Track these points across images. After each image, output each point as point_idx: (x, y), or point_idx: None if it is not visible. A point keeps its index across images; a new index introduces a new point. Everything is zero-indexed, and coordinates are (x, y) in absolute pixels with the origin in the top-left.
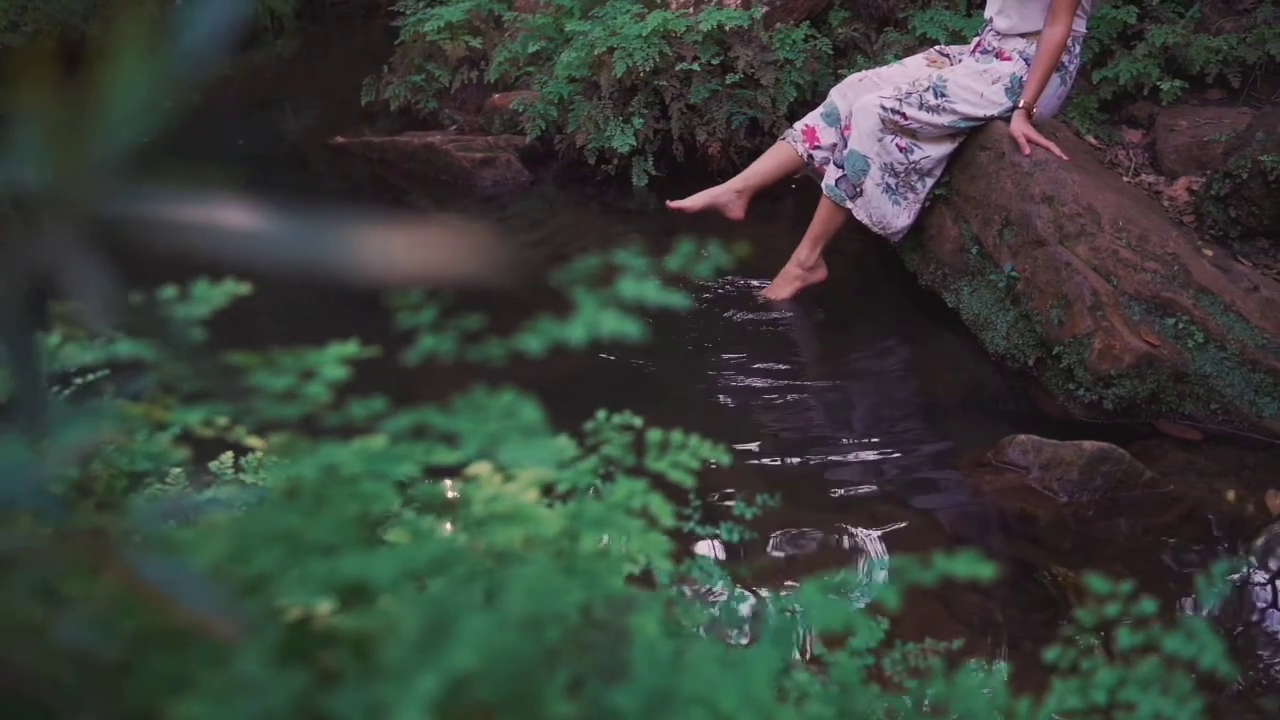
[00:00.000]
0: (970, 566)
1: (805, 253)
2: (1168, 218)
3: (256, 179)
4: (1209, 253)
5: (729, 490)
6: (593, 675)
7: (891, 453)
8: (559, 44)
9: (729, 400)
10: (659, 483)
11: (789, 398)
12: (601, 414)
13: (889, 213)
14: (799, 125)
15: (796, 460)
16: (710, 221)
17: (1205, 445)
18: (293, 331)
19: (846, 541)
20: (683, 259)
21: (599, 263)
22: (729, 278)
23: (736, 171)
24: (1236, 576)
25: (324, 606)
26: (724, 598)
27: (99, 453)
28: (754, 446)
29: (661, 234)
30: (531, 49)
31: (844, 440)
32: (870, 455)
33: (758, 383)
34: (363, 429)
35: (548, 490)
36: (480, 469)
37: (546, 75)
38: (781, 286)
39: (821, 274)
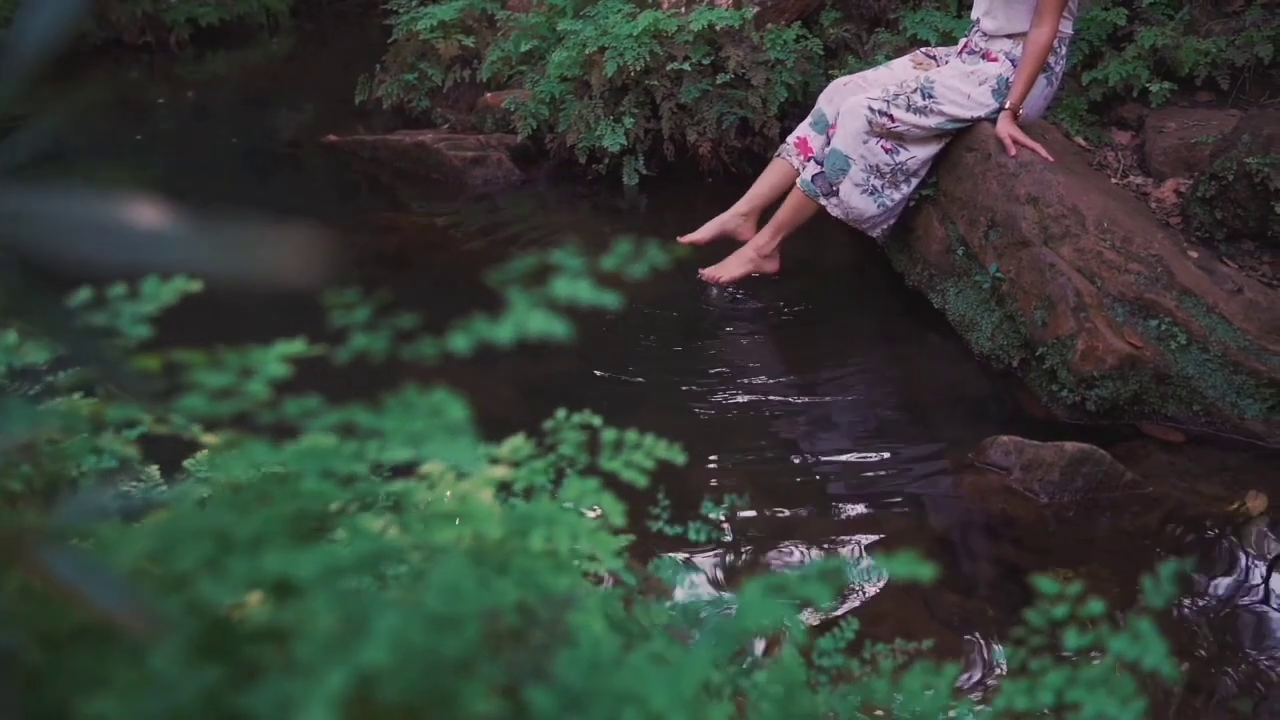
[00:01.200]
0: (909, 567)
1: (765, 239)
2: (1154, 219)
3: (248, 177)
4: (1194, 254)
5: (712, 488)
6: (523, 673)
7: (875, 453)
8: (551, 43)
9: (715, 397)
10: (626, 482)
11: (774, 397)
12: (561, 413)
13: (866, 210)
14: (791, 139)
15: (780, 459)
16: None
17: (1187, 446)
18: (284, 328)
19: (825, 542)
20: (618, 260)
21: (535, 262)
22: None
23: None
24: (1221, 578)
25: (254, 603)
26: (691, 597)
27: (33, 449)
28: (737, 445)
29: (651, 233)
30: (524, 48)
31: (827, 440)
32: (854, 455)
33: (743, 380)
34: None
35: (505, 488)
36: (433, 467)
37: (539, 74)
38: (731, 267)
39: (775, 265)
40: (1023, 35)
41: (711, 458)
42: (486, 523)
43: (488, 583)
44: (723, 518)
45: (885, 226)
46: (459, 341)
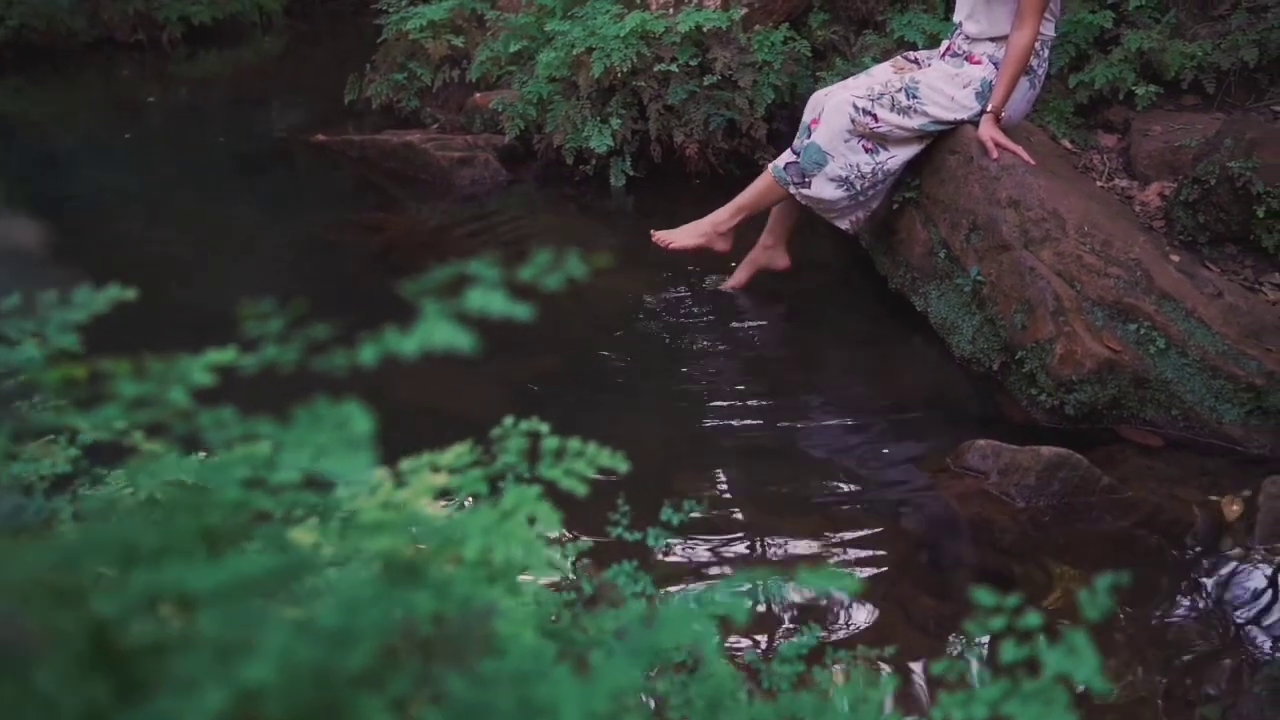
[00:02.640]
0: (835, 580)
1: (725, 216)
2: (1136, 223)
3: (237, 176)
4: (1176, 258)
5: (690, 490)
6: (425, 688)
7: (855, 456)
8: (540, 44)
9: (699, 398)
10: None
11: (758, 399)
12: (509, 420)
13: (838, 203)
14: (781, 161)
15: (761, 461)
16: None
17: (1166, 451)
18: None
19: (803, 544)
20: (536, 270)
21: (452, 273)
22: (703, 280)
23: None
24: (1196, 583)
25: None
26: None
27: None
28: (719, 447)
29: (638, 234)
30: (513, 48)
31: (809, 442)
32: (834, 458)
33: (727, 381)
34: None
35: (447, 496)
36: (375, 475)
37: (527, 75)
38: (684, 236)
39: (727, 245)
40: (1005, 38)
41: (692, 459)
42: (419, 532)
43: (397, 595)
44: (690, 520)
45: (852, 219)
46: (367, 354)
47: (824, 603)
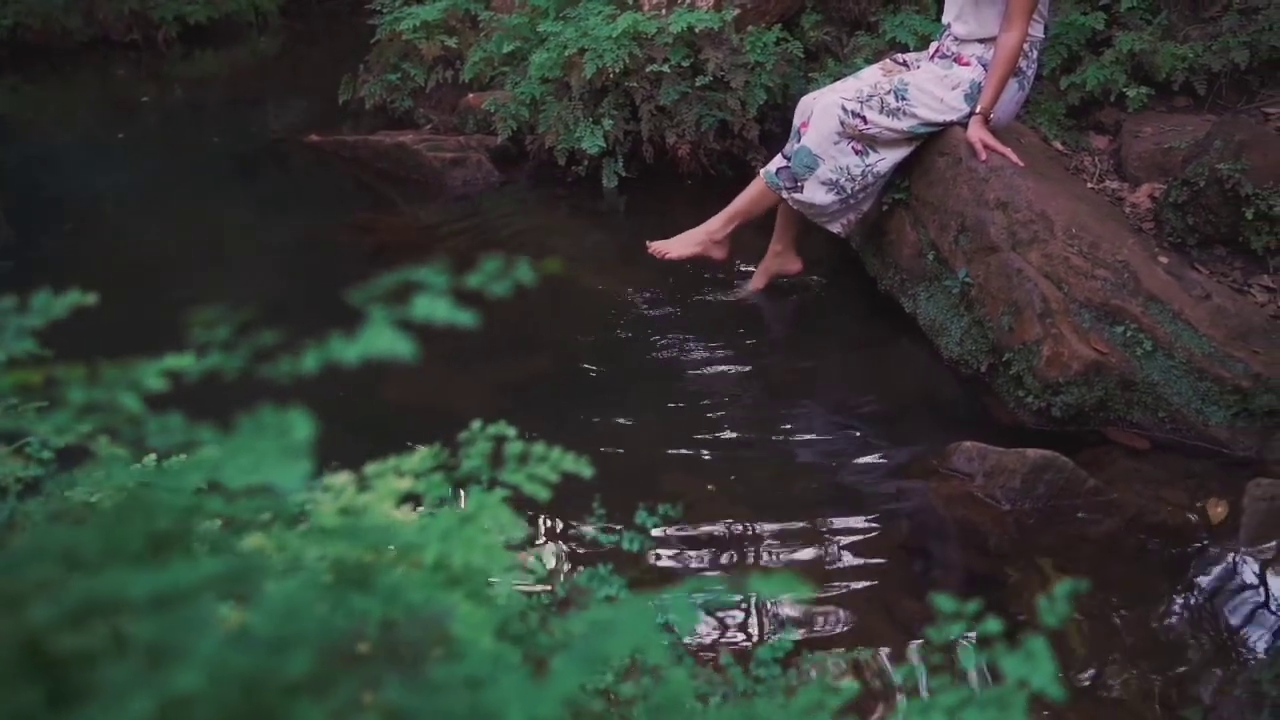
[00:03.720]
0: (788, 586)
1: (718, 224)
2: (1126, 225)
3: (231, 177)
4: (1164, 260)
5: (679, 492)
6: (366, 693)
7: (843, 458)
8: (533, 44)
9: (686, 401)
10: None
11: (745, 400)
12: (476, 424)
13: (829, 207)
14: (773, 165)
15: (749, 462)
16: (677, 225)
17: (1153, 453)
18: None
19: (789, 546)
20: (484, 277)
21: (399, 280)
22: (695, 281)
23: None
24: (1179, 585)
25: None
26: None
27: None
28: (708, 447)
29: (630, 235)
30: (506, 49)
31: (797, 444)
32: (822, 459)
33: (716, 384)
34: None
35: (413, 500)
36: (339, 479)
37: (520, 75)
38: (680, 245)
39: (723, 253)
40: (993, 40)
41: (681, 459)
42: (379, 537)
43: (340, 601)
44: (675, 521)
45: (844, 221)
46: (309, 361)
47: (809, 604)
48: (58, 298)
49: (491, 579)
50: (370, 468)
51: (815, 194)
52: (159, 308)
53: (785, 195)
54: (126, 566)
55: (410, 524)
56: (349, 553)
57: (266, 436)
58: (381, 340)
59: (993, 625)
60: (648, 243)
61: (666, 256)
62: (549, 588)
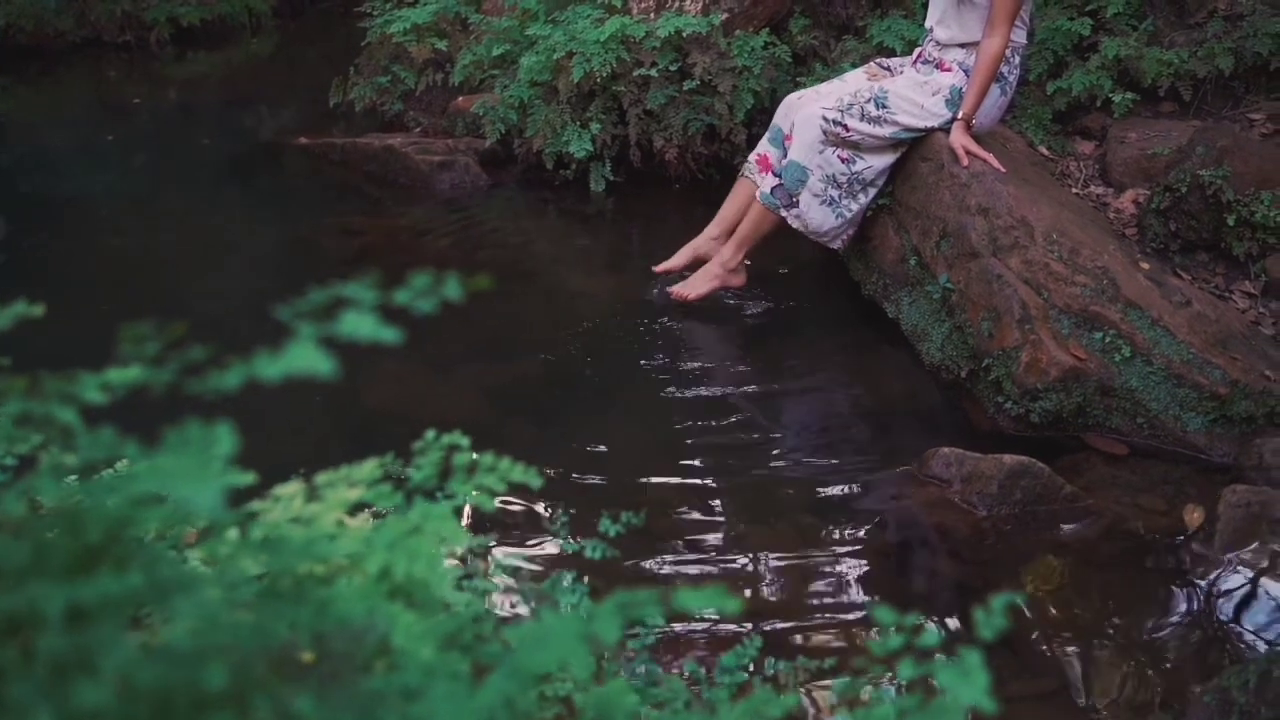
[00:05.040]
0: (715, 601)
1: (729, 254)
2: (1109, 230)
3: (220, 179)
4: (1146, 266)
5: (657, 497)
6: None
7: (823, 464)
8: (523, 48)
9: (670, 406)
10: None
11: (728, 406)
12: (430, 433)
13: (826, 222)
14: (752, 158)
15: (731, 466)
16: (663, 238)
17: (1131, 459)
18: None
19: (769, 553)
20: (413, 294)
21: (327, 297)
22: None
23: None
24: (1154, 592)
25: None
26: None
27: None
28: (691, 452)
29: (618, 239)
30: (496, 52)
31: (778, 450)
32: (802, 466)
33: (700, 388)
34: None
35: (360, 509)
36: (288, 490)
37: (510, 79)
38: (699, 284)
39: (741, 279)
40: (976, 45)
41: (665, 465)
42: (323, 548)
43: (269, 614)
44: (613, 534)
45: (845, 238)
46: (231, 378)
47: (785, 610)
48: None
49: (450, 587)
50: (321, 477)
51: (810, 208)
52: (145, 309)
53: (784, 214)
54: (50, 580)
55: (355, 534)
56: (282, 564)
57: (189, 452)
58: (304, 358)
59: (930, 638)
60: (670, 290)
61: (690, 298)
62: (513, 595)
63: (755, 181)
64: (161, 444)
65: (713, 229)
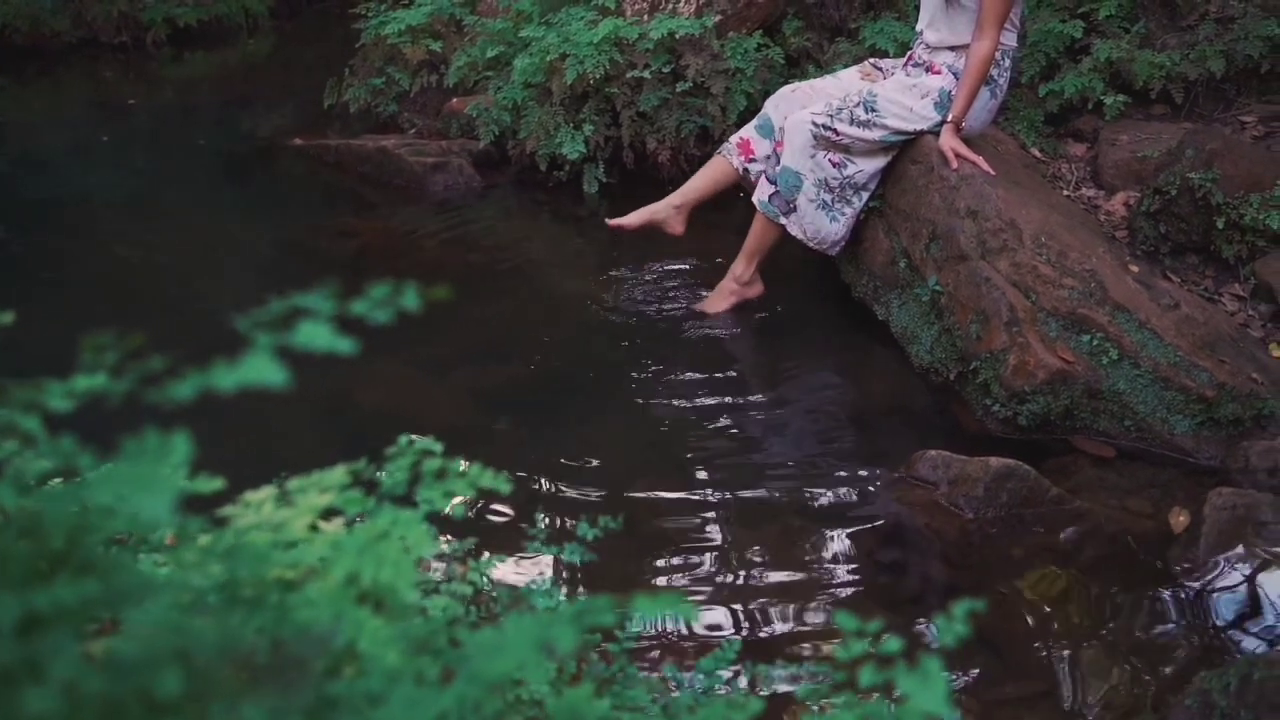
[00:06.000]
0: (669, 606)
1: (741, 268)
2: (1099, 233)
3: (215, 180)
4: (1135, 269)
5: (646, 500)
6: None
7: (812, 466)
8: (517, 49)
9: (661, 408)
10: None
11: (720, 409)
12: (403, 439)
13: (823, 227)
14: (734, 139)
15: (720, 469)
16: (653, 235)
17: (1118, 462)
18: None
19: (756, 555)
20: (370, 304)
21: (285, 307)
22: (673, 289)
23: (686, 179)
24: (1139, 595)
25: None
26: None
27: None
28: (681, 455)
29: (609, 242)
30: (490, 54)
31: (768, 453)
32: (791, 469)
33: (691, 391)
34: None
35: (329, 516)
36: (259, 495)
37: (504, 80)
38: (718, 301)
39: (758, 289)
40: (965, 48)
41: (655, 466)
42: (290, 555)
43: (226, 621)
44: (591, 539)
45: (842, 245)
46: (184, 389)
47: (769, 612)
48: None
49: (419, 593)
50: (293, 482)
51: (808, 213)
52: (139, 310)
53: (783, 221)
54: (8, 588)
55: (323, 540)
56: (238, 571)
57: (144, 460)
58: (260, 369)
59: (892, 644)
60: (693, 306)
61: (709, 315)
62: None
63: (733, 163)
64: (118, 453)
65: (675, 198)
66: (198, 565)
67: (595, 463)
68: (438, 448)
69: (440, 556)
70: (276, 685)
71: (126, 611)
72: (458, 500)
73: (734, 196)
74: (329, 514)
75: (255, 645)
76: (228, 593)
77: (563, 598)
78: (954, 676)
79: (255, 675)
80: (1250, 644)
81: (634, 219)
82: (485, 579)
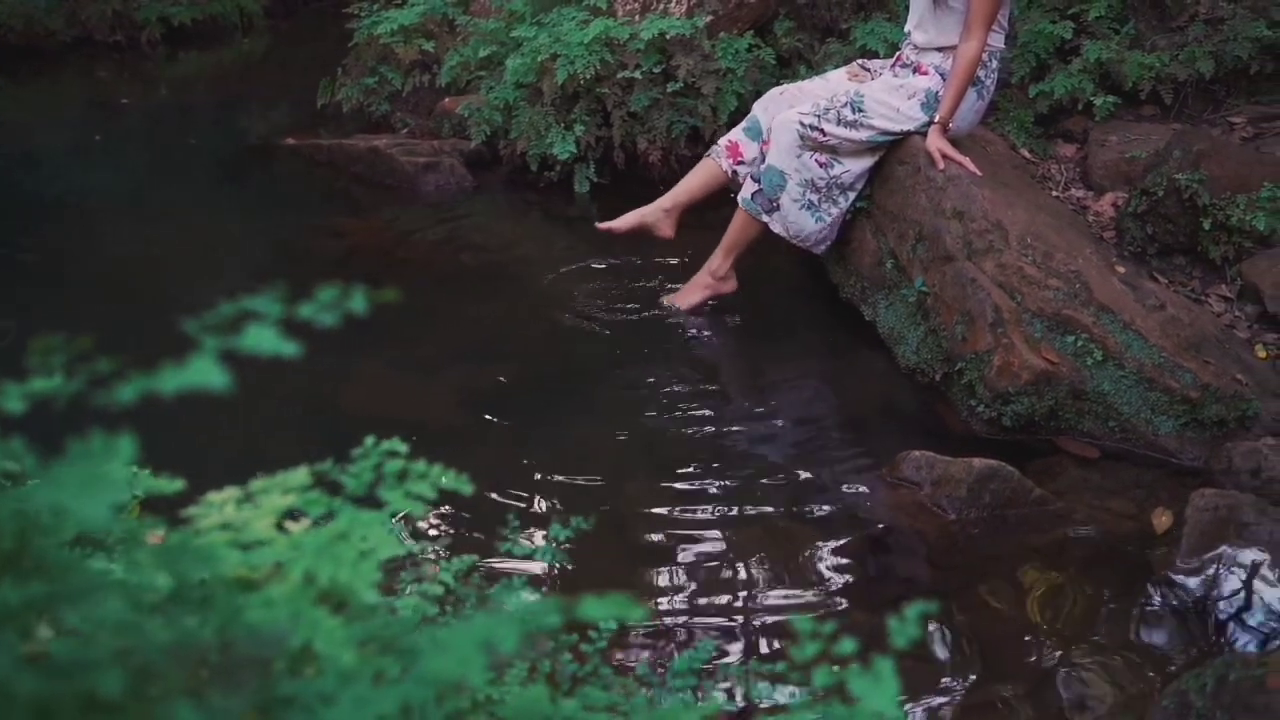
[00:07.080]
0: (617, 608)
1: (718, 262)
2: (1086, 234)
3: (207, 179)
4: (1122, 270)
5: (632, 499)
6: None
7: (798, 467)
8: (509, 49)
9: (649, 409)
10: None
11: (707, 408)
12: (369, 440)
13: (806, 226)
14: (722, 141)
15: (708, 469)
16: (643, 237)
17: (1103, 463)
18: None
19: (742, 555)
20: (318, 307)
21: (234, 310)
22: (663, 291)
23: (677, 180)
24: (1120, 596)
25: None
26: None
27: None
28: (668, 455)
29: (600, 243)
30: (482, 53)
31: (754, 453)
32: (777, 469)
33: (679, 392)
34: None
35: (293, 517)
36: (220, 496)
37: (496, 80)
38: (690, 294)
39: (732, 285)
40: (953, 49)
41: (642, 467)
42: (250, 555)
43: (173, 621)
44: (563, 539)
45: (828, 243)
46: (127, 392)
47: (751, 610)
48: None
49: (378, 593)
50: (256, 483)
51: (790, 211)
52: (133, 309)
53: (765, 219)
54: None
55: (282, 541)
56: (185, 572)
57: (88, 463)
58: (203, 373)
59: (847, 645)
60: (663, 299)
61: (681, 308)
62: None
63: (722, 165)
64: (64, 454)
65: (665, 201)
66: (148, 566)
67: (581, 463)
68: (402, 448)
69: (410, 557)
70: (225, 685)
71: (71, 611)
72: (428, 501)
73: (724, 199)
74: (296, 515)
75: (205, 645)
76: (177, 593)
77: (531, 598)
78: (937, 678)
79: (205, 675)
80: (1229, 644)
81: (624, 222)
82: (455, 580)
